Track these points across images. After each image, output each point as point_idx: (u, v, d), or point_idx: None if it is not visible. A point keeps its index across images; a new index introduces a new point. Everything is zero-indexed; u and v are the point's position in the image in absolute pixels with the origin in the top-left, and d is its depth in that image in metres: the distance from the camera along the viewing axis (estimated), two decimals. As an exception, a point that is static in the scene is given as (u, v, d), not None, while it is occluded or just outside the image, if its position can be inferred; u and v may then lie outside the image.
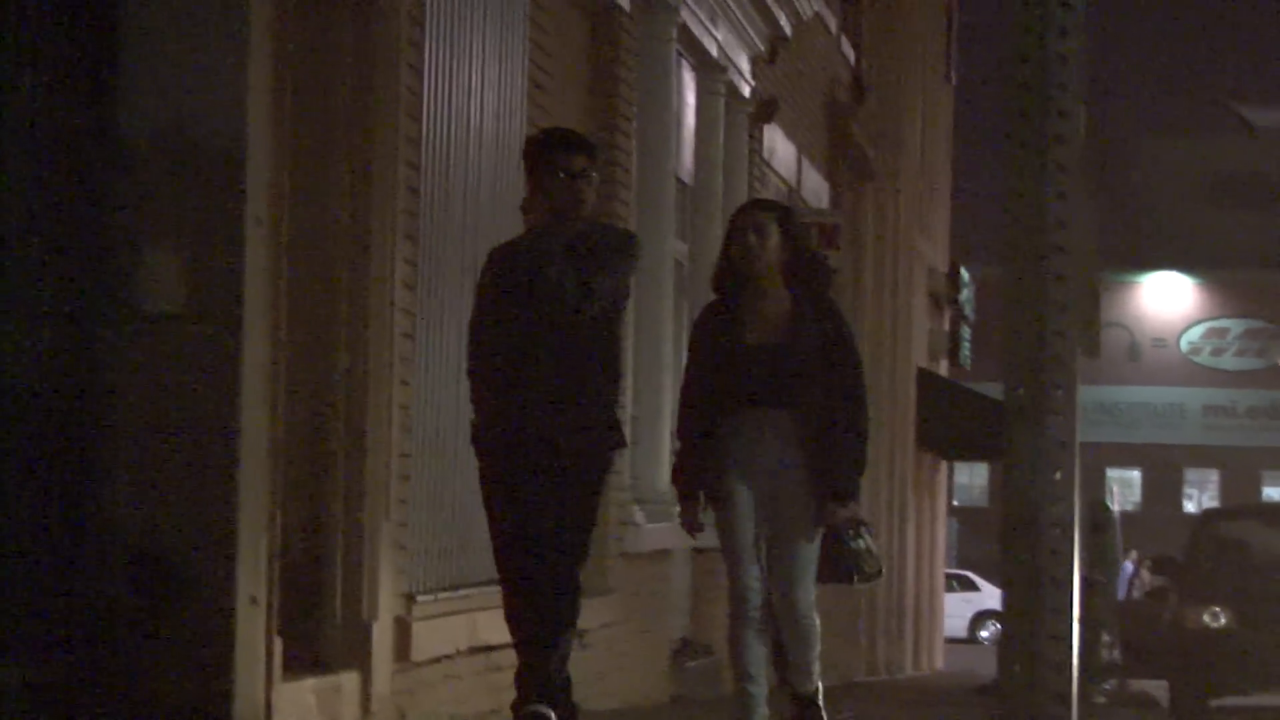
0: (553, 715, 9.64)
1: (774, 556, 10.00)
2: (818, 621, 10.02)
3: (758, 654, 10.08)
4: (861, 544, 10.05)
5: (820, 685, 10.23)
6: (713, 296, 10.38)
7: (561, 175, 9.71)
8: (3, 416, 8.67)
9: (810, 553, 9.95)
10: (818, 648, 10.08)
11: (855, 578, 10.13)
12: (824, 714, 10.28)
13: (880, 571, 10.32)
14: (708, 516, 10.17)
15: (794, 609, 9.94)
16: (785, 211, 10.36)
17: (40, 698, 8.78)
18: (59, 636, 8.95)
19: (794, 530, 9.96)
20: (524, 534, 9.68)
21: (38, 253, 8.93)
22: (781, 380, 9.92)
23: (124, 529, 9.11)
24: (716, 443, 10.01)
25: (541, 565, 9.66)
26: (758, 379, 9.94)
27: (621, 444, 9.99)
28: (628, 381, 16.39)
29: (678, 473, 10.27)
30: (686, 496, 10.16)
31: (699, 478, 10.07)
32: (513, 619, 9.83)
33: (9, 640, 8.65)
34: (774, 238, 9.99)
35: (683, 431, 10.28)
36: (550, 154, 9.81)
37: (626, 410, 15.59)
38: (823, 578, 10.01)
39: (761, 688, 10.04)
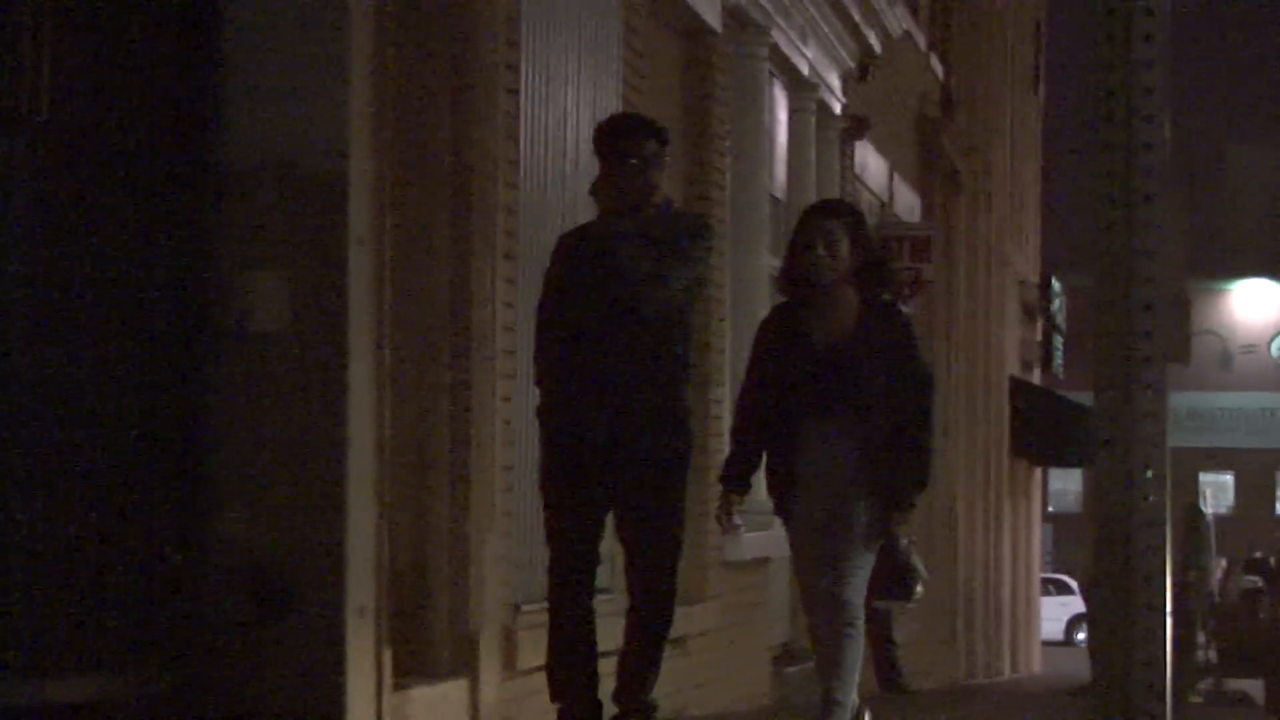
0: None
1: (835, 555, 9.52)
2: (861, 626, 9.54)
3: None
4: (915, 560, 9.90)
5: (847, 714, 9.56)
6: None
7: (632, 161, 9.47)
8: (120, 436, 8.71)
9: (864, 558, 9.53)
10: (857, 654, 9.56)
11: (911, 594, 9.97)
12: None
13: (922, 589, 10.10)
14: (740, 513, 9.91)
15: (839, 604, 9.44)
16: (855, 218, 9.91)
17: (158, 707, 8.83)
18: (175, 648, 9.00)
19: (852, 534, 9.47)
20: (577, 527, 9.48)
21: (154, 277, 8.98)
22: (846, 385, 9.50)
23: (235, 543, 9.15)
24: (781, 449, 9.64)
25: (590, 564, 9.52)
26: (823, 383, 9.52)
27: (690, 442, 9.62)
28: (724, 393, 16.44)
29: (727, 468, 9.83)
30: (729, 493, 9.76)
31: (747, 478, 9.74)
32: (555, 608, 9.64)
33: (128, 652, 8.70)
34: (844, 246, 9.59)
35: (737, 431, 9.89)
36: (620, 140, 9.59)
37: (722, 420, 15.60)
38: (882, 594, 9.79)
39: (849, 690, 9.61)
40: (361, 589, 9.33)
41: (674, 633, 14.73)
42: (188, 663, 9.01)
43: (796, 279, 9.68)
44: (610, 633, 13.30)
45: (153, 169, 8.97)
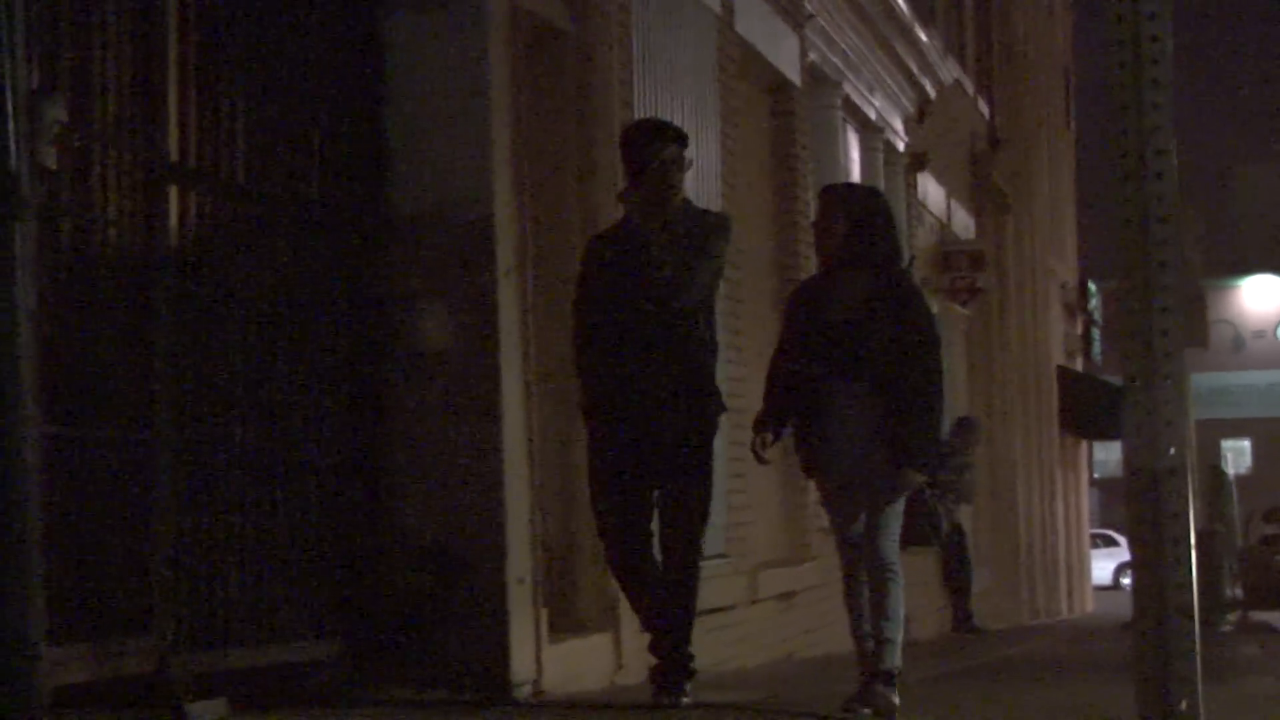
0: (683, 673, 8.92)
1: (867, 513, 8.93)
2: (900, 576, 8.93)
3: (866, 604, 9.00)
4: (939, 507, 9.33)
5: (897, 668, 8.94)
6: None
7: (655, 164, 8.81)
8: (316, 439, 8.75)
9: (892, 511, 8.86)
10: (898, 606, 8.92)
11: (934, 539, 9.37)
12: (891, 692, 8.90)
13: (935, 535, 9.43)
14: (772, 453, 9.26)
15: (877, 556, 8.81)
16: (856, 194, 9.34)
17: (355, 666, 8.88)
18: (367, 616, 9.04)
19: (877, 491, 8.82)
20: (625, 507, 8.89)
21: (339, 306, 9.03)
22: (858, 353, 8.78)
23: (414, 527, 9.19)
24: (806, 413, 8.96)
25: (642, 533, 8.91)
26: (838, 352, 8.82)
27: (720, 409, 8.98)
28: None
29: (758, 418, 9.08)
30: (760, 432, 9.02)
31: (777, 427, 9.03)
32: (615, 571, 9.13)
33: (329, 620, 8.74)
34: (840, 221, 8.87)
35: (766, 393, 9.12)
36: (643, 144, 8.92)
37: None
38: (907, 540, 9.03)
39: None
40: (520, 562, 9.36)
41: (783, 589, 14.82)
42: (381, 627, 9.05)
43: (819, 255, 9.14)
44: (724, 591, 13.36)
45: (333, 217, 9.02)
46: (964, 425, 23.43)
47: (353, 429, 9.05)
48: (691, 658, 8.95)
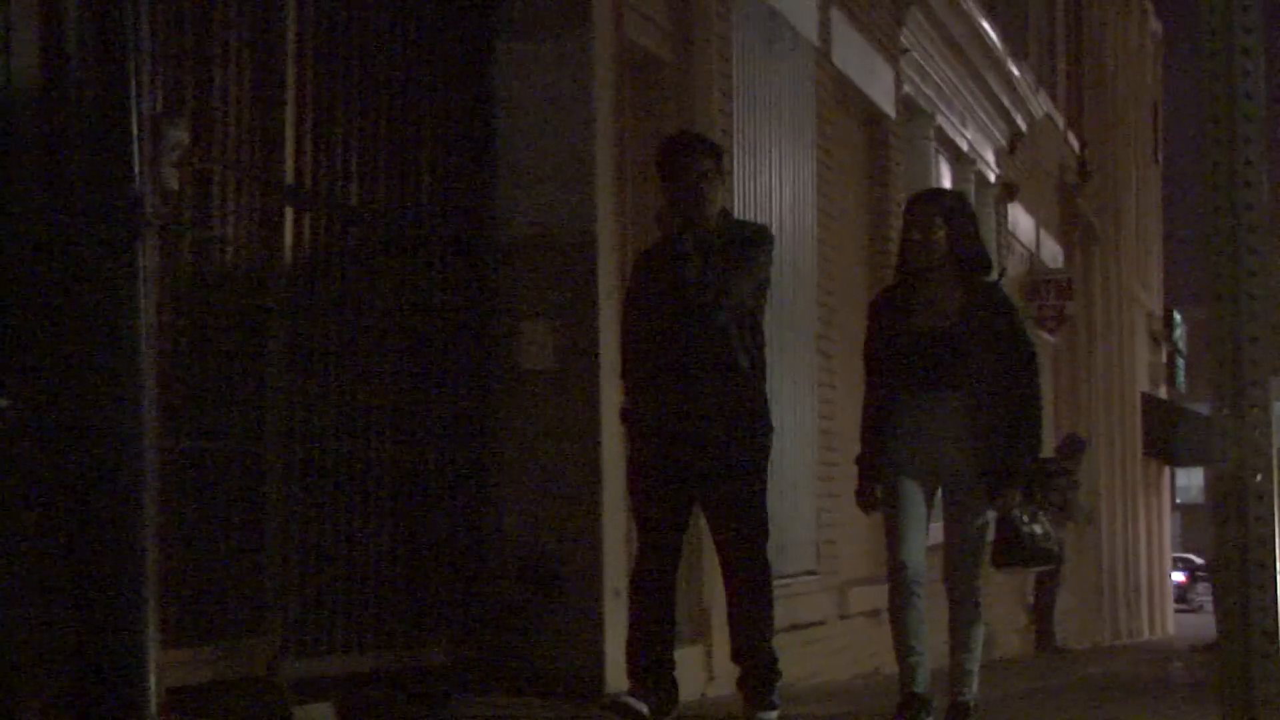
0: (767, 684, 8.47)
1: (946, 535, 8.30)
2: (981, 608, 8.40)
3: (917, 626, 8.39)
4: (1037, 528, 8.37)
5: (975, 700, 8.41)
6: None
7: (689, 176, 8.24)
8: (424, 452, 8.78)
9: (977, 534, 8.24)
10: (979, 637, 8.42)
11: (1030, 562, 8.53)
12: None
13: (1055, 554, 8.66)
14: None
15: (957, 587, 8.29)
16: (953, 204, 8.58)
17: (460, 671, 8.89)
18: (470, 624, 9.06)
19: (961, 511, 8.18)
20: (661, 518, 8.29)
21: (448, 325, 9.06)
22: (948, 364, 8.09)
23: (515, 540, 9.22)
24: (887, 422, 8.23)
25: (667, 544, 8.34)
26: (925, 362, 8.11)
27: (768, 434, 8.42)
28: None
29: (862, 454, 8.38)
30: (865, 477, 8.32)
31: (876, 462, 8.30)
32: (636, 592, 8.45)
33: (433, 628, 8.75)
34: (940, 231, 8.24)
35: (865, 414, 8.42)
36: (677, 157, 8.37)
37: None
38: (996, 562, 8.41)
39: (922, 657, 8.39)
40: (615, 575, 9.36)
41: (871, 606, 14.78)
42: (484, 634, 9.08)
43: (903, 263, 8.43)
44: (814, 607, 13.33)
45: (442, 238, 9.06)
46: (1071, 442, 23.34)
47: (458, 444, 9.08)
48: (776, 664, 8.63)
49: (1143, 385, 35.57)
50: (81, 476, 6.51)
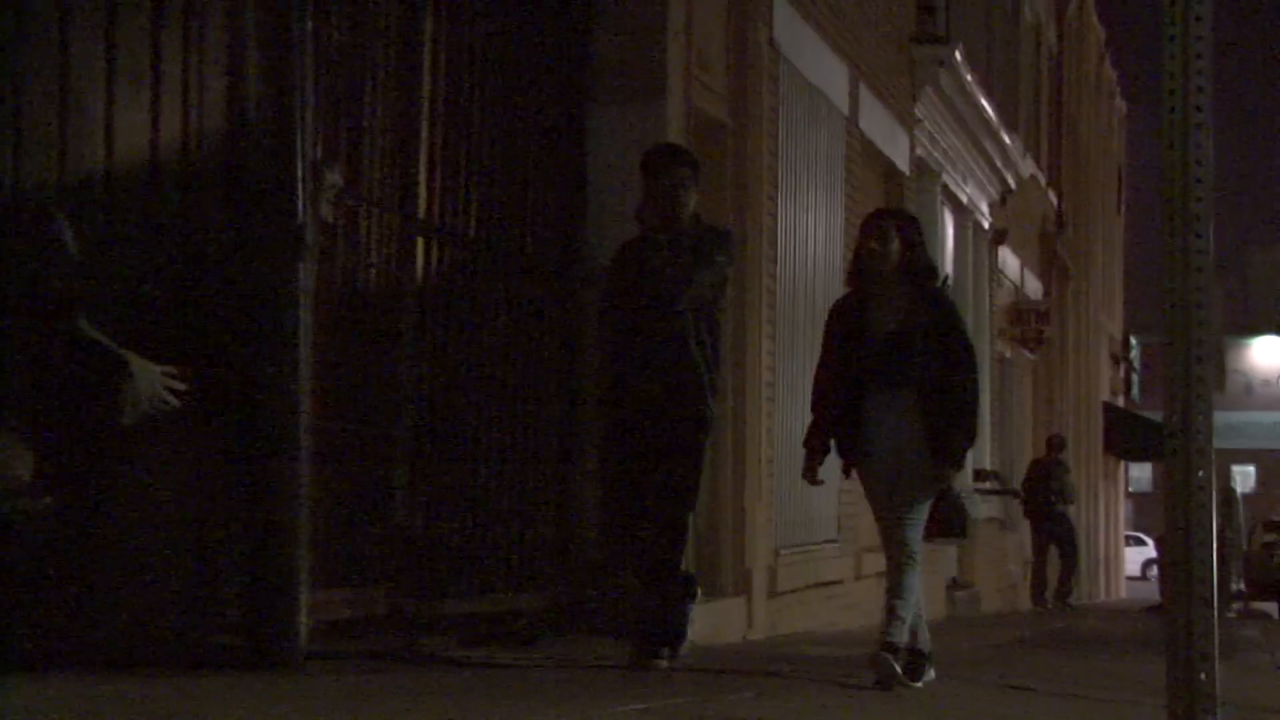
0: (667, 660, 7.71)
1: (899, 504, 7.65)
2: (919, 559, 7.74)
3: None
4: (967, 504, 7.93)
5: (904, 642, 7.64)
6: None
7: (666, 183, 7.77)
8: (525, 437, 8.76)
9: (922, 506, 7.62)
10: (915, 585, 7.71)
11: (962, 534, 7.92)
12: (895, 661, 7.52)
13: (969, 527, 8.10)
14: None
15: (904, 541, 7.59)
16: (905, 219, 8.08)
17: (548, 615, 8.87)
18: (560, 577, 9.05)
19: (912, 489, 7.57)
20: (627, 481, 7.72)
21: (544, 345, 9.03)
22: (900, 363, 7.57)
23: (595, 509, 9.19)
24: (850, 418, 7.66)
25: (642, 511, 7.71)
26: (881, 362, 7.60)
27: (710, 412, 7.79)
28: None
29: (809, 437, 7.83)
30: (811, 455, 7.76)
31: (826, 443, 7.75)
32: (613, 552, 8.12)
33: (529, 579, 8.74)
34: (894, 242, 7.69)
35: (815, 404, 7.87)
36: (659, 165, 7.87)
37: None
38: (932, 534, 7.72)
39: (919, 610, 7.83)
40: (676, 539, 9.35)
41: (882, 568, 14.73)
42: (567, 589, 9.07)
43: (857, 270, 7.86)
44: (836, 569, 13.30)
45: (542, 267, 9.06)
46: (1058, 439, 23.47)
47: (552, 428, 9.07)
48: (681, 627, 7.85)
49: (1104, 395, 35.45)
50: (254, 448, 6.56)
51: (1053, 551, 22.71)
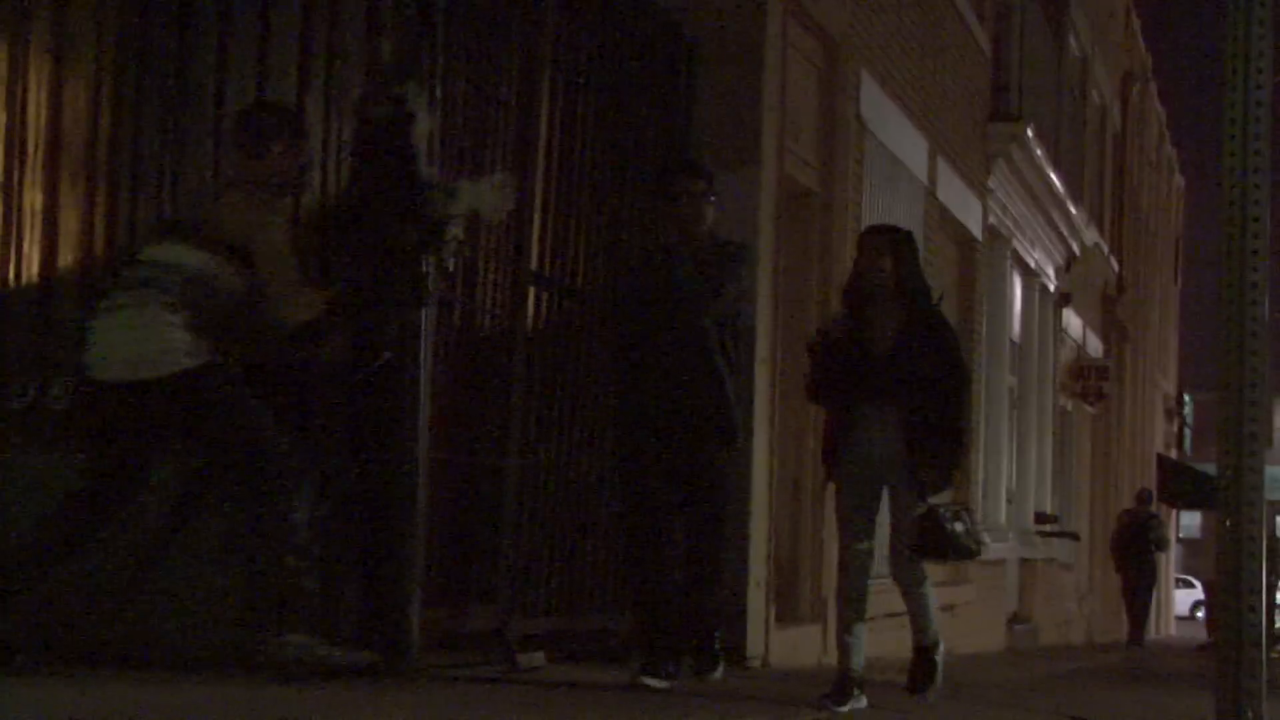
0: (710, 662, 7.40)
1: (891, 527, 7.13)
2: (926, 575, 7.30)
3: (859, 604, 7.29)
4: (959, 526, 7.05)
5: (938, 642, 7.45)
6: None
7: (684, 197, 7.28)
8: (598, 465, 8.74)
9: (913, 527, 7.05)
10: (928, 593, 7.36)
11: (949, 555, 7.13)
12: (936, 666, 7.42)
13: (975, 552, 7.26)
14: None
15: (901, 568, 7.19)
16: (901, 237, 7.27)
17: (627, 642, 8.82)
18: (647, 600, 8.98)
19: (901, 508, 7.04)
20: (646, 495, 7.18)
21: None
22: (892, 379, 6.96)
23: (680, 540, 9.14)
24: (840, 431, 7.12)
25: (659, 530, 7.18)
26: (875, 378, 6.99)
27: (735, 424, 7.31)
28: (978, 458, 16.18)
29: (825, 454, 7.23)
30: (829, 476, 7.23)
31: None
32: (631, 573, 7.49)
33: (618, 602, 8.69)
34: (888, 261, 7.07)
35: (827, 424, 7.24)
36: (676, 180, 7.39)
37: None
38: (917, 553, 7.13)
39: (859, 639, 7.36)
40: (758, 569, 9.31)
41: (945, 602, 14.61)
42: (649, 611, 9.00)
43: (853, 289, 7.22)
44: (895, 602, 13.18)
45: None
46: (1146, 494, 23.94)
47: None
48: (717, 654, 7.55)
49: (1158, 447, 35.07)
50: (377, 477, 6.58)
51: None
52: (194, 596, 6.24)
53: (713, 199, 7.38)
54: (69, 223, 6.64)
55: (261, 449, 5.90)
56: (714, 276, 7.13)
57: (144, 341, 5.95)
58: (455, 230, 6.59)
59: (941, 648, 7.37)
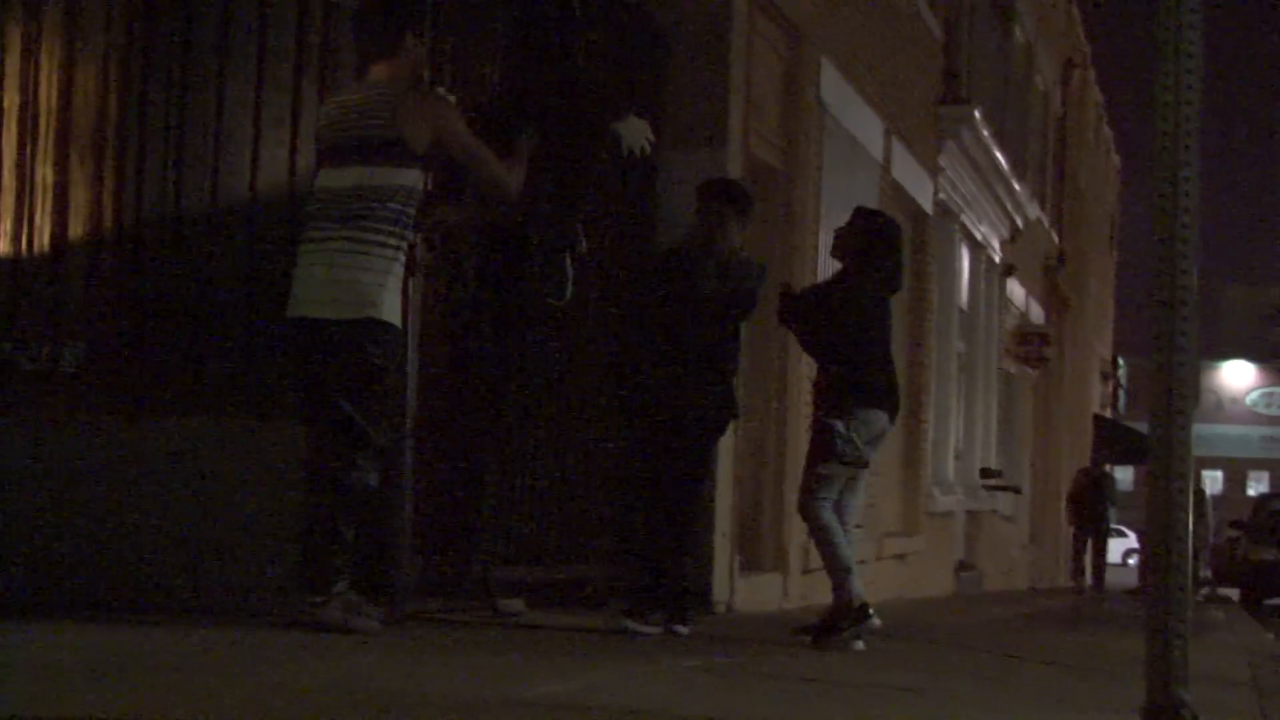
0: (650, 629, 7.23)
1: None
2: (820, 526, 7.56)
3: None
4: (844, 433, 7.39)
5: (851, 600, 7.47)
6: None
7: (714, 214, 7.47)
8: (598, 434, 8.71)
9: (814, 469, 7.51)
10: (824, 550, 7.60)
11: (836, 455, 7.40)
12: (842, 619, 7.47)
13: (859, 460, 7.55)
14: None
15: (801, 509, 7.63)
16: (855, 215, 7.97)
17: (611, 583, 8.83)
18: (621, 551, 9.00)
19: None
20: (657, 470, 7.35)
21: (597, 349, 8.97)
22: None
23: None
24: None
25: (666, 495, 7.36)
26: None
27: (736, 415, 7.64)
28: (931, 411, 16.20)
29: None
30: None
31: None
32: (629, 526, 7.87)
33: (593, 552, 8.70)
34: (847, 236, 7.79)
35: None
36: (709, 198, 7.58)
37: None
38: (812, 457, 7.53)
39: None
40: (724, 521, 9.31)
41: (899, 551, 14.66)
42: (626, 559, 9.01)
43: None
44: (860, 551, 13.22)
45: (618, 261, 8.99)
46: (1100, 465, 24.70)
47: (613, 421, 8.99)
48: (683, 589, 7.46)
49: (1095, 408, 35.20)
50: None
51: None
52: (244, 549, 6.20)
53: (739, 219, 7.57)
54: (79, 197, 6.59)
55: (386, 414, 5.76)
56: (733, 289, 7.40)
57: (347, 282, 5.64)
58: (442, 209, 6.53)
59: (854, 599, 7.46)
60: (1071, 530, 24.41)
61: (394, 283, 5.79)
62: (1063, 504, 26.40)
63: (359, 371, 5.73)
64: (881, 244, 7.69)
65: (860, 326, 7.61)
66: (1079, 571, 23.97)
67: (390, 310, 5.78)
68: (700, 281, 7.35)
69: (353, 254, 5.70)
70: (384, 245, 5.73)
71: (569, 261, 7.28)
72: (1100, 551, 24.22)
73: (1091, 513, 23.74)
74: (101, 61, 6.58)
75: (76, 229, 6.59)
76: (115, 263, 6.61)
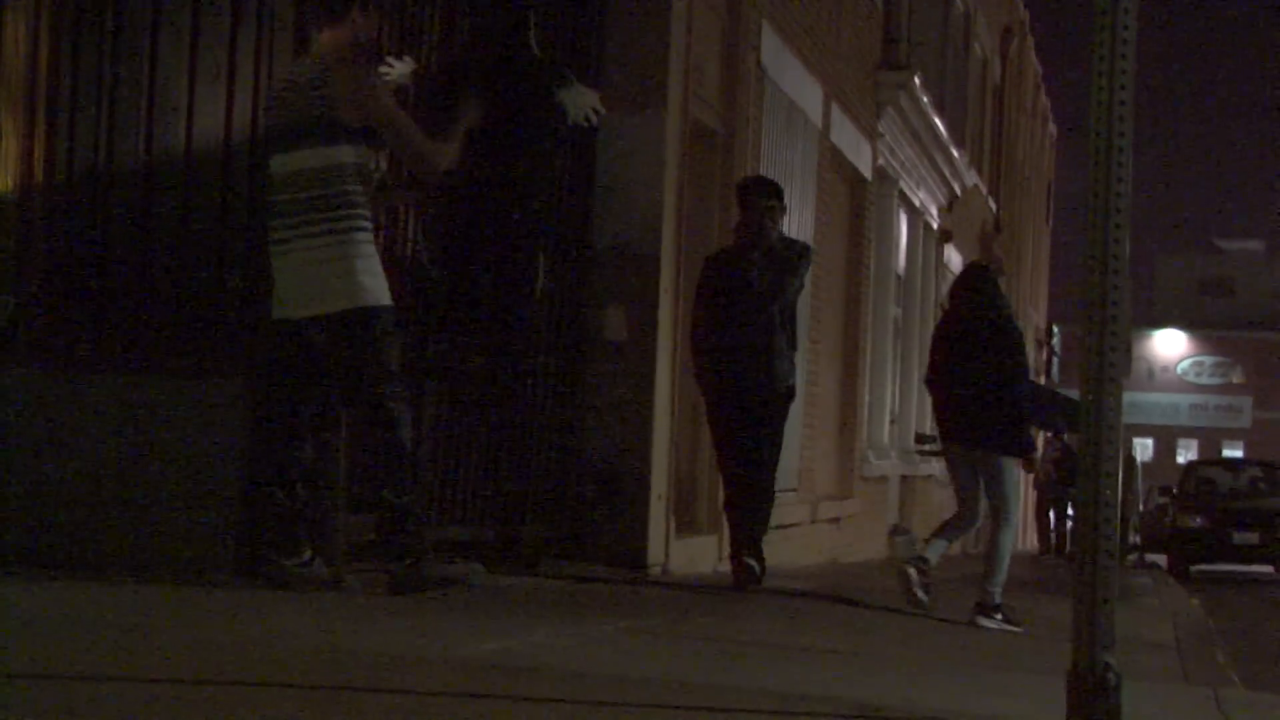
0: (758, 565, 8.55)
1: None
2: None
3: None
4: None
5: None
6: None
7: (755, 211, 8.53)
8: (532, 400, 8.70)
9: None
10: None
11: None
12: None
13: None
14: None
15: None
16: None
17: (549, 543, 8.84)
18: (559, 511, 9.01)
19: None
20: (733, 449, 8.56)
21: (563, 309, 8.95)
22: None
23: (591, 458, 9.17)
24: None
25: (745, 470, 8.51)
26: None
27: (793, 394, 8.63)
28: (867, 377, 16.29)
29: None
30: None
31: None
32: (729, 504, 8.74)
33: (533, 512, 8.70)
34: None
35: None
36: (748, 194, 8.67)
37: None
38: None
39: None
40: (660, 484, 9.33)
41: (833, 514, 14.75)
42: (565, 520, 9.02)
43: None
44: (794, 513, 13.28)
45: (562, 245, 8.99)
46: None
47: (557, 392, 9.01)
48: (763, 559, 8.65)
49: (1030, 375, 35.54)
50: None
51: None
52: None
53: (780, 209, 8.59)
54: (9, 148, 6.50)
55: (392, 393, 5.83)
56: (778, 276, 8.36)
57: (323, 277, 5.70)
58: (382, 169, 6.49)
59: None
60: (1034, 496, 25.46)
61: (368, 264, 5.79)
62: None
63: (362, 360, 5.79)
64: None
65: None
66: (1044, 536, 24.92)
67: (375, 294, 5.79)
68: (750, 274, 8.26)
69: (322, 247, 5.72)
70: (349, 230, 5.72)
71: (541, 258, 7.38)
72: (1061, 518, 25.11)
73: (1063, 482, 24.84)
74: (32, 11, 6.49)
75: (5, 181, 6.50)
76: (46, 216, 6.53)
